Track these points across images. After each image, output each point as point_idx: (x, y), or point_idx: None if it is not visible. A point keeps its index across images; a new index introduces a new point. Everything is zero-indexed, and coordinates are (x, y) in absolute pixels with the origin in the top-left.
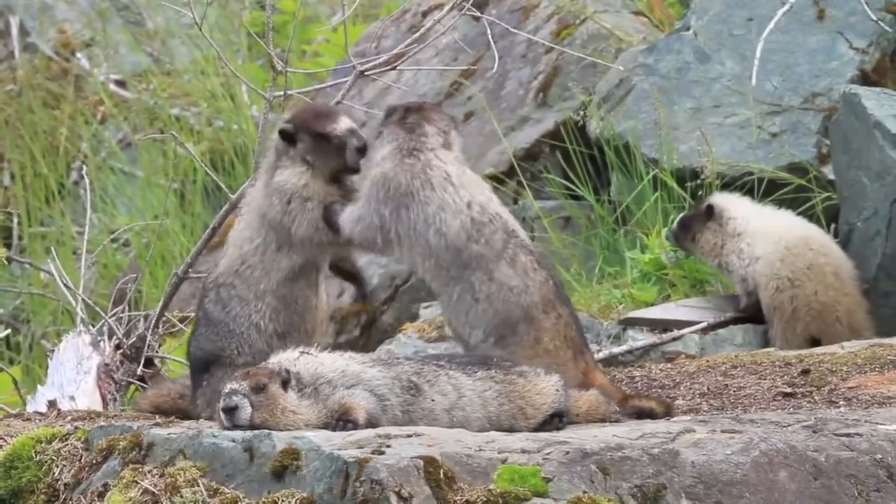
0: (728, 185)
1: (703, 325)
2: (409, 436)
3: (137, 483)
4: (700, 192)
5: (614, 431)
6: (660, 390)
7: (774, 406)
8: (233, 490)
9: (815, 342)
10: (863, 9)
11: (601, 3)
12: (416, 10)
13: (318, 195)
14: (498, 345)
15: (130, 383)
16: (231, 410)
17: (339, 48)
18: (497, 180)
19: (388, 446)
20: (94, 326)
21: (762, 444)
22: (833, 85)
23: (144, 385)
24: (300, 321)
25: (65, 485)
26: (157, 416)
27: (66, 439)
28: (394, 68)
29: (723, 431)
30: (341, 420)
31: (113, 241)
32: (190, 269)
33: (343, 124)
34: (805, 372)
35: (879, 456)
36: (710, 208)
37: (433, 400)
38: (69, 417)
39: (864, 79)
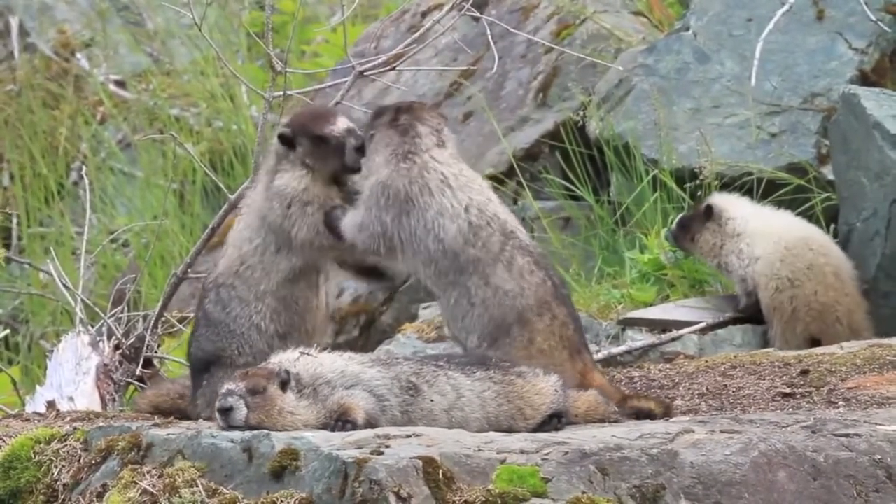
0: (727, 185)
1: (702, 325)
2: (408, 436)
3: (136, 483)
4: (699, 193)
5: (613, 432)
6: (659, 391)
7: (773, 406)
8: (231, 490)
9: (815, 342)
10: (862, 9)
11: (601, 3)
12: (415, 10)
13: (318, 199)
14: (492, 347)
15: (129, 384)
16: (226, 411)
17: (339, 48)
18: (497, 180)
19: (387, 447)
20: (93, 327)
21: (761, 444)
22: (832, 85)
23: (143, 385)
24: (301, 322)
25: (63, 485)
26: (155, 417)
27: (65, 440)
28: (393, 69)
29: (722, 432)
30: (340, 420)
31: (112, 241)
32: (189, 270)
33: (340, 125)
34: (804, 372)
35: (878, 456)
36: (710, 208)
37: (432, 400)
38: (68, 418)
39: (864, 79)
